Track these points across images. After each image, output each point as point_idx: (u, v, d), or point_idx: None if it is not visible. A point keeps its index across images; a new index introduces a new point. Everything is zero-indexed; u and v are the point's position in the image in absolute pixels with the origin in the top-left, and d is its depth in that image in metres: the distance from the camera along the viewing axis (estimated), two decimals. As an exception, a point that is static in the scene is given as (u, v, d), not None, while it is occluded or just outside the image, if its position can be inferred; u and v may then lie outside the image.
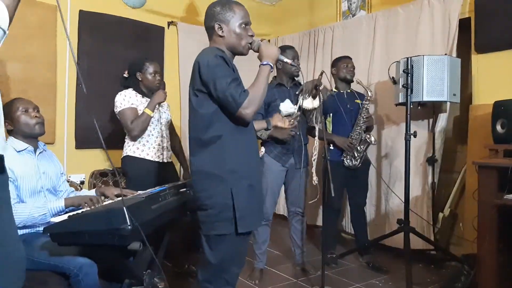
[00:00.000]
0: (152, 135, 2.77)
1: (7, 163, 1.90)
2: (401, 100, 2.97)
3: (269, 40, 4.83)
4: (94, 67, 3.51)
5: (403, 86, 2.89)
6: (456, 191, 3.45)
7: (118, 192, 2.12)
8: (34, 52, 3.17)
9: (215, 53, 1.64)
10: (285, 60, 1.88)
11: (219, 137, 1.64)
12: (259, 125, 2.74)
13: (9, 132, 2.05)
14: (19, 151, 2.03)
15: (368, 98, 3.15)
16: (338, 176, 3.08)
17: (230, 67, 1.65)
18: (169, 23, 4.08)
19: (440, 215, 3.41)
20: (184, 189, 2.05)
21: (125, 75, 2.84)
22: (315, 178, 2.88)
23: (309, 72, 4.29)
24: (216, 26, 1.73)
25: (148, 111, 2.66)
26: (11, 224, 1.29)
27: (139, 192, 2.08)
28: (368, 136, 3.14)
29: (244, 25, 1.74)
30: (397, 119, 3.52)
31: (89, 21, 3.50)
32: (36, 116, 2.09)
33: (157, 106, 2.74)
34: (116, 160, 2.92)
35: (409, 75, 2.84)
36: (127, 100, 2.71)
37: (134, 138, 2.72)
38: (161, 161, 2.78)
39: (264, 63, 1.71)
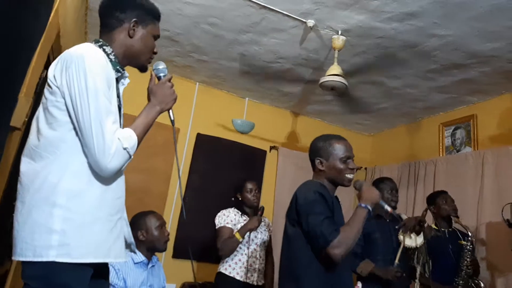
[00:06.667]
0: (246, 254, 2.79)
1: (124, 274, 2.06)
2: (520, 246, 2.67)
3: (365, 168, 4.86)
4: (202, 183, 3.85)
5: (521, 231, 2.62)
6: None
7: None
8: (154, 166, 3.62)
9: (315, 188, 1.71)
10: (386, 207, 1.84)
11: (308, 271, 1.63)
12: (366, 267, 2.63)
13: (138, 243, 2.13)
14: (136, 263, 2.14)
15: (470, 239, 2.82)
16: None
17: (327, 204, 1.68)
18: (271, 147, 4.41)
19: None
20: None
21: (233, 198, 3.03)
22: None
23: (409, 205, 4.13)
24: (317, 161, 1.84)
25: (237, 236, 2.73)
26: None
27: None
28: (477, 282, 2.77)
29: (345, 160, 1.80)
30: (515, 267, 3.10)
31: (203, 143, 3.96)
32: (168, 234, 2.26)
33: (249, 232, 2.78)
34: (211, 274, 2.97)
35: (528, 219, 2.59)
36: (223, 218, 2.85)
37: (221, 257, 2.80)
38: (251, 283, 2.75)
39: (363, 205, 1.70)
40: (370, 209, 1.70)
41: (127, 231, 1.38)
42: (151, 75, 1.42)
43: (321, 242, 1.58)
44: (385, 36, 2.86)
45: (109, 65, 1.29)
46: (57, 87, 1.21)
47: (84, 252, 1.15)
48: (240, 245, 2.78)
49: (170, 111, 1.43)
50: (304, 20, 2.77)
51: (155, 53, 1.46)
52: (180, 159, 3.84)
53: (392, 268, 2.62)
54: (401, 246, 2.62)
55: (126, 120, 1.39)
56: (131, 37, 1.36)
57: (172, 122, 1.48)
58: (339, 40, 2.85)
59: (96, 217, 1.20)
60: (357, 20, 2.72)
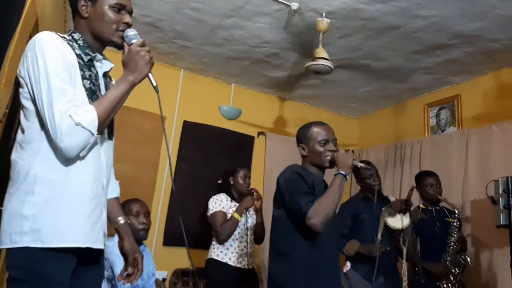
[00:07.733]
0: (237, 239, 2.84)
1: (111, 263, 2.05)
2: (502, 222, 2.73)
3: (353, 151, 4.90)
4: (191, 170, 3.84)
5: (504, 207, 2.69)
6: None
7: None
8: (143, 155, 3.60)
9: (293, 170, 1.84)
10: (359, 165, 1.92)
11: (293, 251, 1.74)
12: (352, 246, 2.67)
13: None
14: None
15: (456, 216, 2.91)
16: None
17: (306, 182, 1.78)
18: (259, 133, 4.40)
19: None
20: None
21: (219, 181, 3.07)
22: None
23: (396, 185, 4.19)
24: (299, 148, 1.97)
25: (236, 215, 2.79)
26: None
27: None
28: (463, 257, 2.86)
29: (323, 143, 1.90)
30: (498, 242, 3.19)
31: (190, 130, 3.93)
32: (143, 223, 2.25)
33: (244, 210, 2.85)
34: (200, 261, 2.99)
35: (510, 195, 2.65)
36: (218, 203, 2.88)
37: (221, 242, 2.81)
38: (243, 267, 2.80)
39: (337, 172, 1.80)
40: (344, 173, 1.78)
41: (103, 219, 1.34)
42: (124, 47, 1.32)
43: (299, 215, 1.68)
44: (369, 17, 2.86)
45: (67, 48, 1.26)
46: (22, 78, 1.24)
47: (57, 237, 1.15)
48: None
49: (150, 76, 1.30)
50: (288, 3, 2.75)
51: (127, 23, 1.34)
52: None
53: (374, 244, 2.67)
54: (381, 222, 2.66)
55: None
56: (84, 18, 1.33)
57: (155, 88, 1.33)
58: (323, 23, 2.84)
59: (69, 203, 1.20)
60: (341, 2, 2.70)
